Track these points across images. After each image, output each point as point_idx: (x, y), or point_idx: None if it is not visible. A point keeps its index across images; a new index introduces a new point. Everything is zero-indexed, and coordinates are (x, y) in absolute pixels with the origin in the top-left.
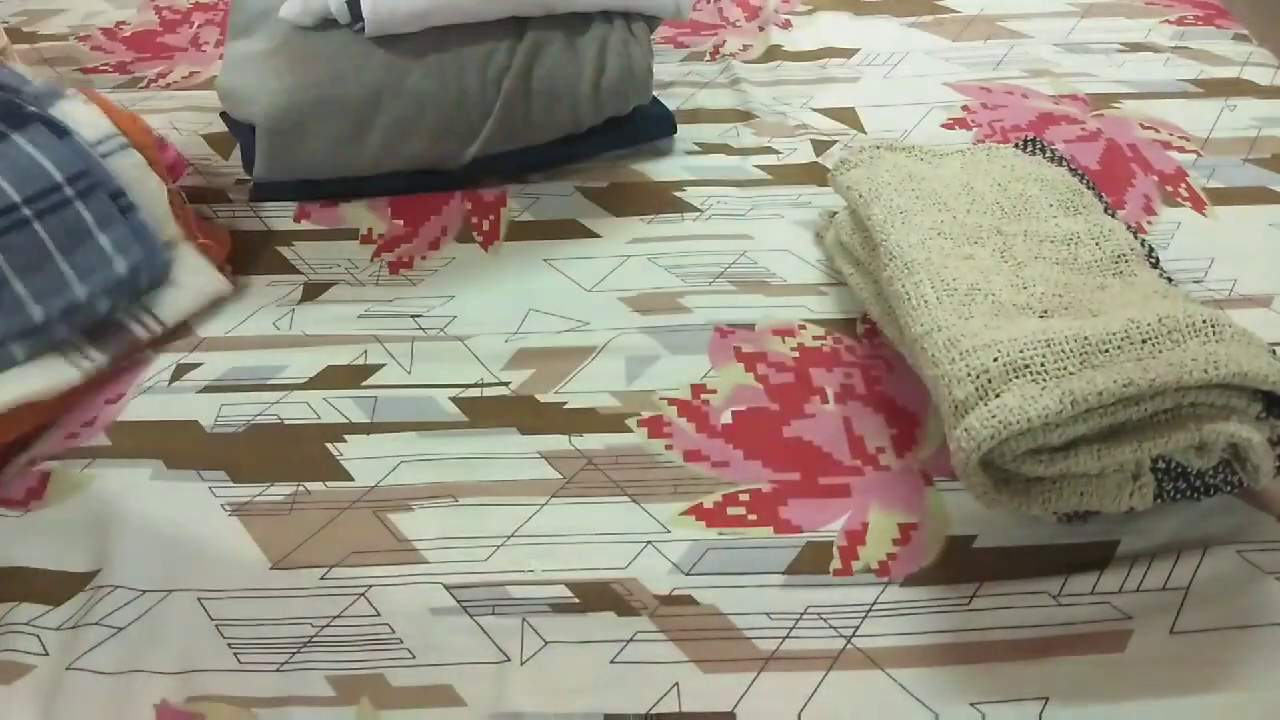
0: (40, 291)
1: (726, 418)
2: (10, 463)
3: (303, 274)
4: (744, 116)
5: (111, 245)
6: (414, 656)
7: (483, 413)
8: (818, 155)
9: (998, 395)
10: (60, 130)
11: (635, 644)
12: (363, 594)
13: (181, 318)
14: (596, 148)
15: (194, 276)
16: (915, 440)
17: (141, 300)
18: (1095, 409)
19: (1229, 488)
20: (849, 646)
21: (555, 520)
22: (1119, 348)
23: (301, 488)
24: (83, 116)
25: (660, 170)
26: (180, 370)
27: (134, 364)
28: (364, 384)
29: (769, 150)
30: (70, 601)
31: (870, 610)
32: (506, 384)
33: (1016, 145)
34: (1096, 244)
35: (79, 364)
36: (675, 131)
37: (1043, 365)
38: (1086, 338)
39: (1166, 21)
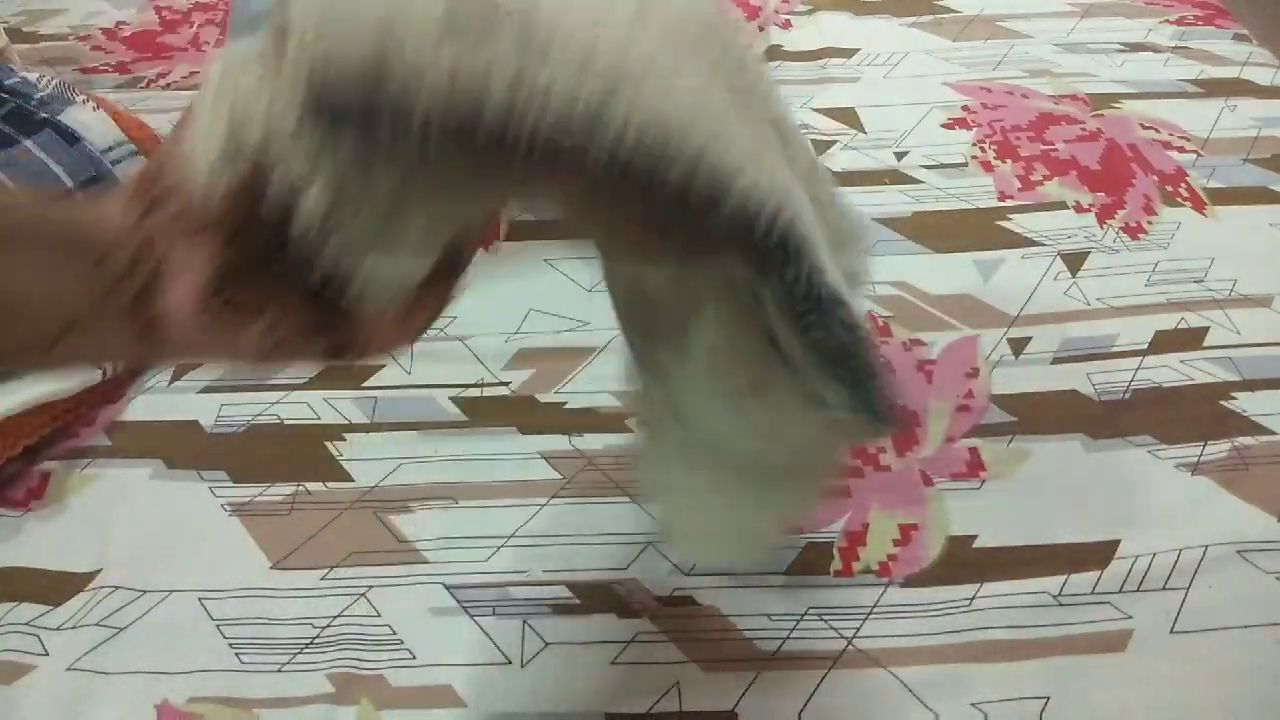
0: None
1: None
2: (24, 472)
3: None
4: None
5: None
6: (414, 656)
7: (483, 413)
8: (818, 155)
9: None
10: (71, 136)
11: (636, 645)
12: (363, 594)
13: None
14: None
15: None
16: (915, 440)
17: None
18: None
19: None
20: (850, 647)
21: (555, 521)
22: None
23: (301, 488)
24: (92, 123)
25: None
26: (180, 370)
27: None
28: (364, 384)
29: None
30: (70, 601)
31: (871, 611)
32: (507, 384)
33: None
34: None
35: (100, 364)
36: None
37: None
38: None
39: (1166, 21)
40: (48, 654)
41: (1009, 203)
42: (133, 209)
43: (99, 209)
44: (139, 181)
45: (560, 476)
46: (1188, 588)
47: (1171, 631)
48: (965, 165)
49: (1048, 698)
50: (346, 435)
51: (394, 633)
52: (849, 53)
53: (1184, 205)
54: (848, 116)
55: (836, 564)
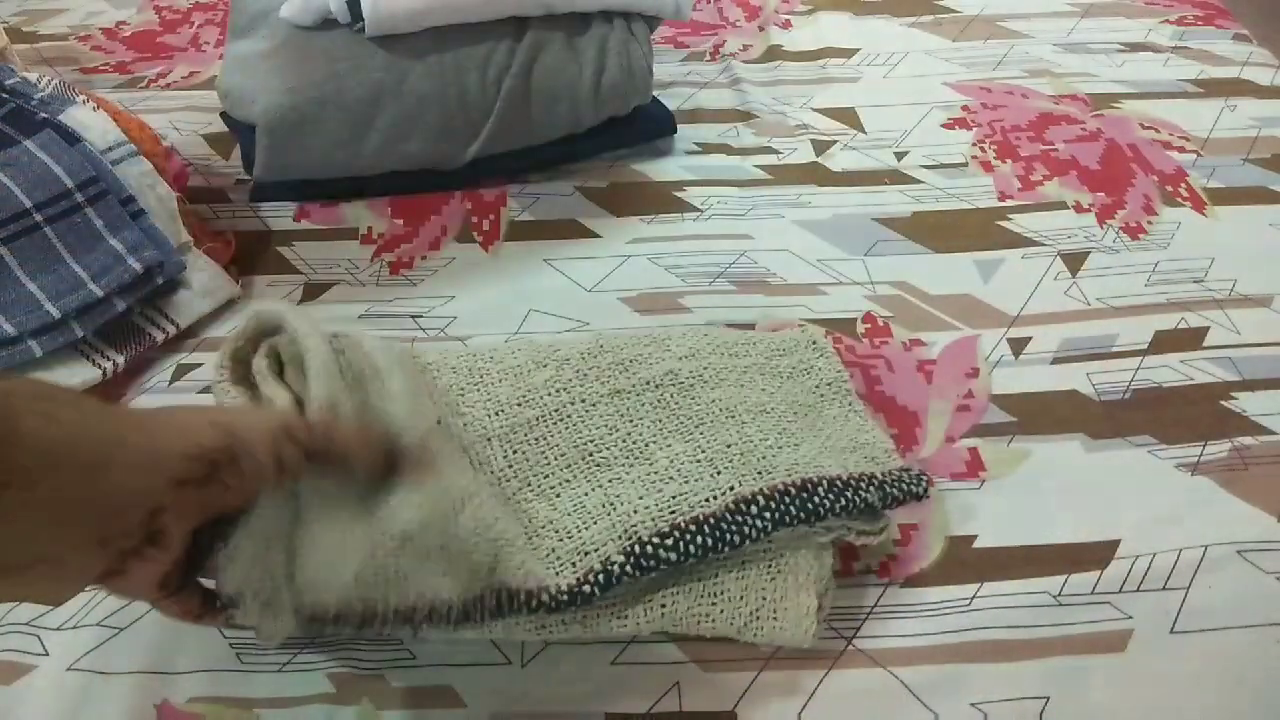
0: (55, 292)
1: None
2: None
3: (303, 274)
4: (744, 116)
5: (124, 248)
6: (414, 657)
7: None
8: (818, 155)
9: None
10: (71, 137)
11: (636, 645)
12: None
13: (195, 320)
14: (596, 148)
15: (206, 280)
16: (915, 440)
17: (157, 303)
18: None
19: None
20: (850, 647)
21: None
22: None
23: None
24: (92, 123)
25: (660, 170)
26: (181, 370)
27: (135, 364)
28: None
29: (769, 150)
30: (70, 601)
31: (871, 611)
32: None
33: None
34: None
35: (100, 364)
36: (675, 131)
37: None
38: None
39: (1166, 21)
40: (48, 654)
41: (1009, 203)
42: (190, 470)
43: (145, 458)
44: (216, 450)
45: None
46: (1188, 588)
47: (1171, 631)
48: (965, 165)
49: (1048, 698)
50: None
51: (394, 633)
52: (849, 53)
53: (1184, 205)
54: (848, 116)
55: (836, 564)
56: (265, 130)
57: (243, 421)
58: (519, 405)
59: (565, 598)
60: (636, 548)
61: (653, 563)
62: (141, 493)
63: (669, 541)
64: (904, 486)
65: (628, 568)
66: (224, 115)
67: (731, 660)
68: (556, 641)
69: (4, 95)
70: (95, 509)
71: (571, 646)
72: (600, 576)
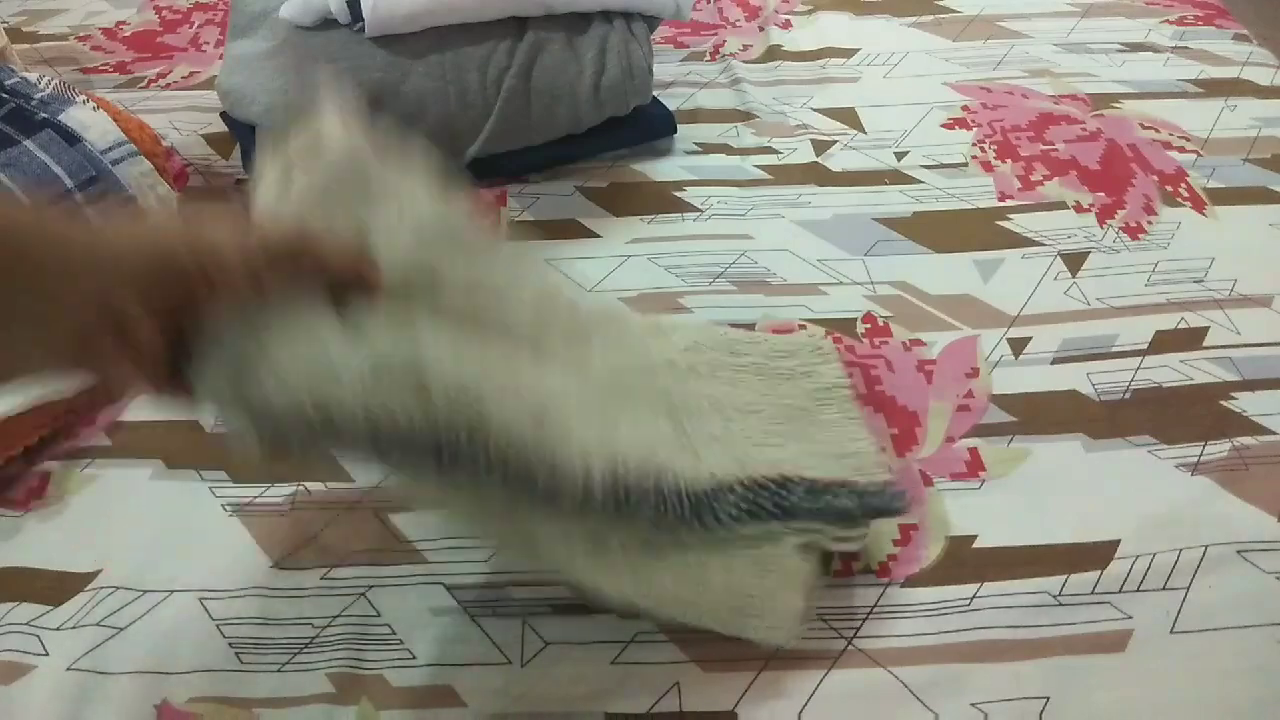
0: None
1: None
2: (24, 472)
3: None
4: (744, 116)
5: None
6: (414, 656)
7: None
8: (818, 155)
9: None
10: (71, 137)
11: (636, 645)
12: (363, 594)
13: None
14: (596, 148)
15: None
16: (915, 440)
17: None
18: None
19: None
20: (850, 647)
21: None
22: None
23: (301, 488)
24: (92, 123)
25: (660, 170)
26: None
27: None
28: None
29: (769, 150)
30: (70, 601)
31: (871, 611)
32: None
33: None
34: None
35: None
36: (675, 131)
37: None
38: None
39: (1166, 21)
40: (48, 654)
41: (1009, 203)
42: (155, 278)
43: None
44: (182, 259)
45: None
46: (1188, 588)
47: (1171, 631)
48: (965, 165)
49: (1048, 698)
50: None
51: (394, 633)
52: (849, 53)
53: (1184, 205)
54: (848, 116)
55: (836, 564)
56: (265, 130)
57: (212, 233)
58: None
59: (526, 473)
60: (618, 487)
61: (628, 502)
62: (104, 291)
63: (648, 499)
64: (882, 499)
65: (607, 494)
66: (224, 115)
67: (731, 660)
68: (554, 642)
69: (4, 95)
70: (68, 304)
71: (571, 646)
72: (582, 481)
